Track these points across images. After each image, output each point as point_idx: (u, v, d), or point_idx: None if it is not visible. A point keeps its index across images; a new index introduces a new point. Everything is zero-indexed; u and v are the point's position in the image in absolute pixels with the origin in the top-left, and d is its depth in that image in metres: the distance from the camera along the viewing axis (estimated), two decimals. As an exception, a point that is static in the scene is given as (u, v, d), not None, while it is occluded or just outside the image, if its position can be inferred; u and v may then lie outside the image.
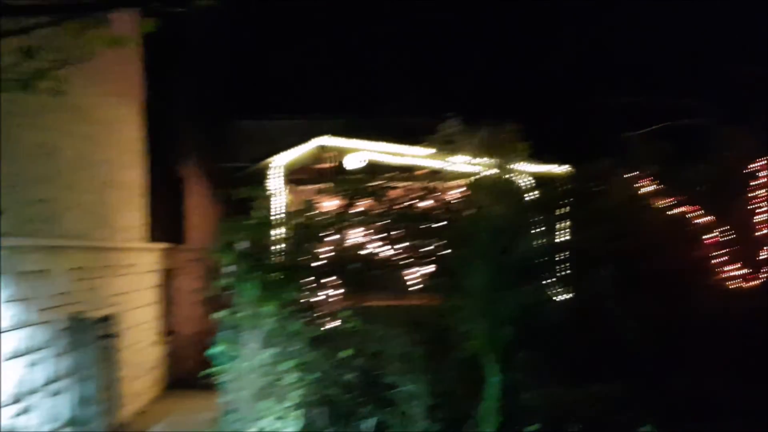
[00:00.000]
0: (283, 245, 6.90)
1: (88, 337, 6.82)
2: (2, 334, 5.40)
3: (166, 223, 10.42)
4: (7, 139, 5.26)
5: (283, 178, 8.86)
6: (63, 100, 5.31)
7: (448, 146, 7.21)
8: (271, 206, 7.71)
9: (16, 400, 5.63)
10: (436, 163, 8.05)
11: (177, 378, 10.57)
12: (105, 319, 7.27)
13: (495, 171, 6.82)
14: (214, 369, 6.30)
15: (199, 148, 12.96)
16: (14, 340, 5.60)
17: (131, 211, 8.93)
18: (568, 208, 8.36)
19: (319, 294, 6.73)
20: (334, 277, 6.88)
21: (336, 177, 8.53)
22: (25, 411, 5.77)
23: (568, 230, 8.36)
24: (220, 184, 14.09)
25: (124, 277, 8.44)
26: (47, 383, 6.19)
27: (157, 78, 9.83)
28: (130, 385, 8.44)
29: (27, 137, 5.76)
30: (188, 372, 10.97)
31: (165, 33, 4.53)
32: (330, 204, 7.55)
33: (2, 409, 5.38)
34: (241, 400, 6.08)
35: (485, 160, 7.02)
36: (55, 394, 6.36)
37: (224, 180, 14.02)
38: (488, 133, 6.84)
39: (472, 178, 7.53)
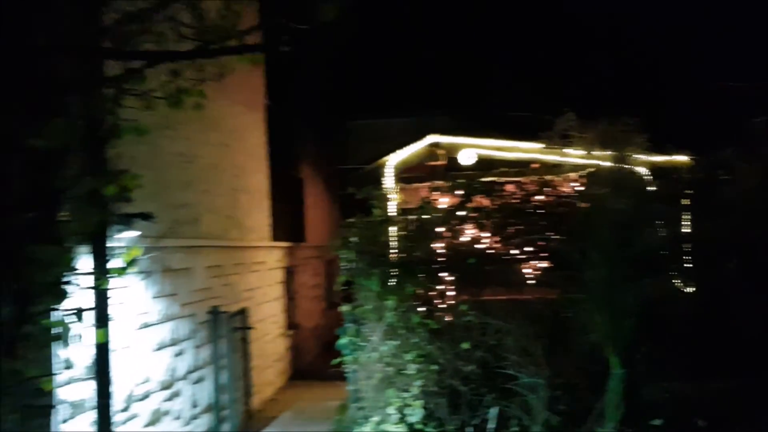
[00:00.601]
0: (400, 242, 7.16)
1: (225, 329, 7.39)
2: (154, 327, 6.00)
3: (287, 223, 11.01)
4: (154, 150, 5.83)
5: (396, 176, 9.12)
6: (199, 112, 5.82)
7: (563, 140, 7.19)
8: (387, 204, 7.99)
9: (165, 387, 6.23)
10: (551, 157, 8.03)
11: (299, 369, 11.16)
12: (239, 312, 7.85)
13: (613, 163, 6.73)
14: (339, 359, 6.65)
15: (316, 150, 13.55)
16: (162, 332, 6.21)
17: (258, 213, 9.52)
18: (691, 199, 8.09)
19: (436, 288, 6.93)
20: (451, 272, 7.05)
21: (448, 174, 8.69)
22: (173, 396, 6.37)
23: (691, 221, 8.09)
24: (336, 185, 14.66)
25: (253, 274, 9.04)
26: (190, 371, 6.79)
27: (275, 84, 10.41)
28: (260, 375, 9.03)
29: (170, 147, 6.34)
30: (309, 363, 11.56)
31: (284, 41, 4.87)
32: (444, 200, 7.72)
33: (154, 394, 5.97)
34: (365, 389, 6.40)
35: (602, 152, 6.95)
36: (197, 381, 6.96)
37: (339, 180, 14.58)
38: (605, 125, 6.77)
39: (589, 171, 7.47)
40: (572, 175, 7.91)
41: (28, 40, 3.26)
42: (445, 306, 6.82)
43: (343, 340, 6.52)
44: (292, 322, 11.29)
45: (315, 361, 11.79)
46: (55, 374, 4.34)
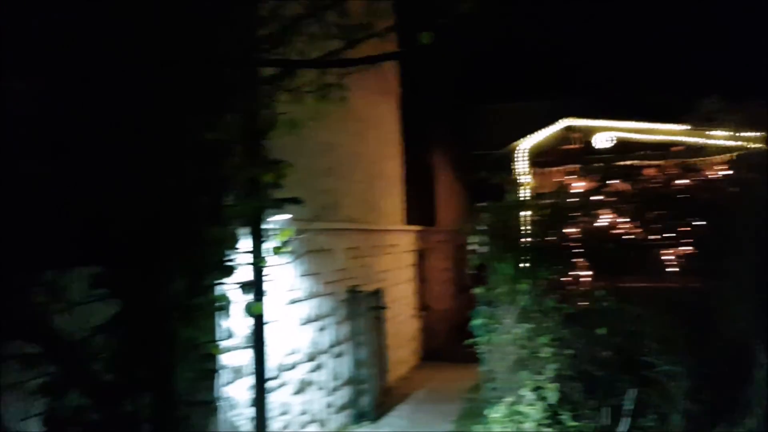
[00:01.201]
0: (534, 226, 7.18)
1: (362, 308, 7.79)
2: (300, 303, 6.47)
3: (419, 207, 11.28)
4: (301, 139, 6.25)
5: (529, 160, 9.10)
6: (340, 103, 6.17)
7: (707, 123, 6.88)
8: (519, 189, 8.02)
9: (310, 359, 6.70)
10: (693, 140, 7.69)
11: (430, 350, 11.46)
12: (375, 292, 8.22)
13: (764, 145, 6.37)
14: (471, 340, 6.82)
15: (447, 136, 13.71)
16: (307, 308, 6.67)
17: (392, 198, 9.86)
18: None
19: (571, 273, 6.91)
20: (586, 258, 6.99)
21: (583, 157, 8.56)
22: (317, 368, 6.84)
23: None
24: (466, 169, 14.75)
25: (387, 256, 9.40)
26: (331, 346, 7.24)
27: (408, 71, 10.66)
28: (394, 354, 9.40)
29: (315, 137, 6.75)
30: (439, 345, 11.82)
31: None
32: (579, 185, 7.64)
33: (301, 365, 6.45)
34: (498, 370, 6.53)
35: (750, 135, 6.59)
36: (338, 356, 7.40)
37: (470, 165, 14.65)
38: (755, 106, 6.40)
39: (737, 154, 7.10)
40: (718, 158, 7.54)
41: (210, 52, 3.65)
42: (580, 291, 6.78)
43: (476, 322, 6.67)
44: (423, 304, 11.59)
45: (445, 343, 12.03)
46: (219, 342, 4.84)
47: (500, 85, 15.38)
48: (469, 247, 7.33)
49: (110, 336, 3.44)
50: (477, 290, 6.71)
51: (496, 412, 6.16)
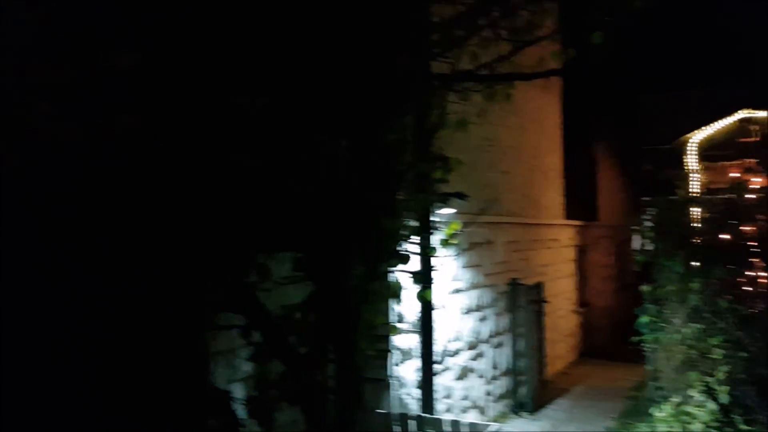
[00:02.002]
0: (706, 223, 6.91)
1: (522, 301, 7.91)
2: (462, 293, 6.74)
3: (579, 201, 11.12)
4: (465, 135, 6.50)
5: (699, 154, 8.68)
6: (505, 100, 6.32)
7: None
8: (690, 184, 7.72)
9: (471, 347, 6.96)
10: None
11: (588, 347, 11.28)
12: (535, 286, 8.31)
13: None
14: (637, 339, 6.72)
15: (608, 128, 13.32)
16: (469, 299, 6.93)
17: (552, 192, 9.84)
18: None
19: (747, 274, 6.57)
20: (765, 258, 6.61)
21: (763, 152, 8.03)
22: (477, 357, 7.08)
23: None
24: (630, 163, 14.23)
25: (547, 251, 9.42)
26: (491, 336, 7.44)
27: (570, 62, 10.50)
28: (552, 348, 9.41)
29: (477, 133, 6.97)
30: (599, 342, 11.60)
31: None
32: (757, 180, 7.21)
33: (463, 352, 6.73)
34: (664, 370, 6.39)
35: None
36: (497, 346, 7.59)
37: (633, 158, 14.11)
38: None
39: None
40: None
41: (390, 60, 3.99)
42: (757, 293, 6.44)
43: (642, 320, 6.57)
44: (582, 300, 11.43)
45: (605, 341, 11.78)
46: (393, 324, 5.24)
47: (669, 73, 14.61)
48: (634, 244, 7.20)
49: (305, 313, 3.92)
50: (644, 288, 6.59)
51: (662, 412, 6.05)
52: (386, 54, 3.81)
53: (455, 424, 4.85)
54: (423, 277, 5.21)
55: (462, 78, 4.39)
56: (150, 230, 3.16)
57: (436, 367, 5.79)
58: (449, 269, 6.40)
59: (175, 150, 2.90)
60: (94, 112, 2.66)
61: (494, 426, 4.85)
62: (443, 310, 6.21)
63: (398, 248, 4.59)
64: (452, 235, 4.91)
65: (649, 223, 7.00)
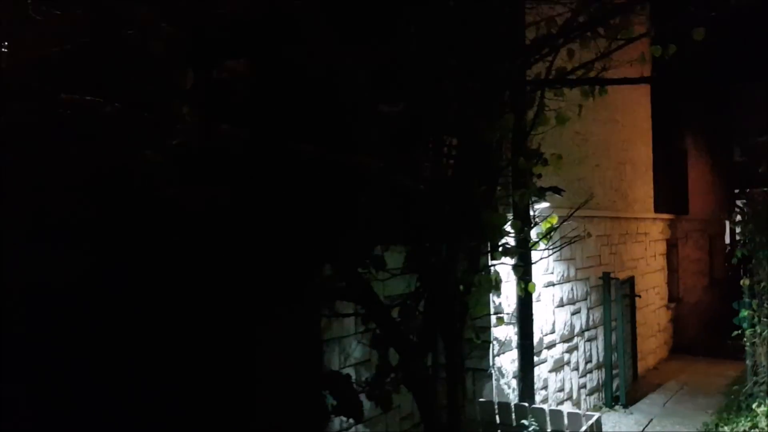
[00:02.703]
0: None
1: (615, 295, 7.91)
2: (555, 286, 6.84)
3: (669, 195, 10.92)
4: (559, 130, 6.58)
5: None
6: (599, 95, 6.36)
7: None
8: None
9: (565, 340, 7.04)
10: None
11: (680, 343, 11.07)
12: (627, 280, 8.28)
13: None
14: (735, 333, 6.64)
15: (701, 119, 12.97)
16: (562, 292, 7.01)
17: (641, 185, 9.73)
18: None
19: None
20: None
21: None
22: (571, 349, 7.16)
23: None
24: (721, 155, 13.81)
25: (637, 245, 9.34)
26: (584, 329, 7.50)
27: (661, 55, 10.32)
28: (643, 343, 9.33)
29: (570, 127, 7.03)
30: (690, 338, 11.36)
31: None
32: None
33: (558, 345, 6.83)
34: (764, 365, 6.30)
35: None
36: (590, 339, 7.64)
37: (727, 150, 13.70)
38: None
39: None
40: None
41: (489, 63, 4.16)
42: None
43: (742, 314, 6.49)
44: (673, 295, 11.23)
45: (697, 336, 11.53)
46: (494, 316, 5.43)
47: (763, 62, 14.04)
48: (727, 238, 7.09)
49: (414, 304, 4.16)
50: (743, 282, 6.51)
51: (763, 407, 5.98)
52: (486, 61, 3.98)
53: (556, 414, 4.99)
54: (522, 270, 5.37)
55: (557, 82, 4.51)
56: (280, 221, 3.48)
57: (532, 357, 5.93)
58: (543, 262, 6.50)
59: (310, 150, 3.19)
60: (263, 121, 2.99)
61: (594, 416, 4.96)
62: (538, 302, 6.34)
63: (498, 242, 4.77)
64: (550, 229, 5.04)
65: (743, 216, 6.88)
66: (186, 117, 3.61)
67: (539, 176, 4.94)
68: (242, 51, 3.61)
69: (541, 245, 5.41)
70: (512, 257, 4.56)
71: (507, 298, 5.76)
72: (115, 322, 3.19)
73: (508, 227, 4.77)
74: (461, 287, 4.34)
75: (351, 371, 4.67)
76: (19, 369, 2.84)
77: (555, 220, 5.11)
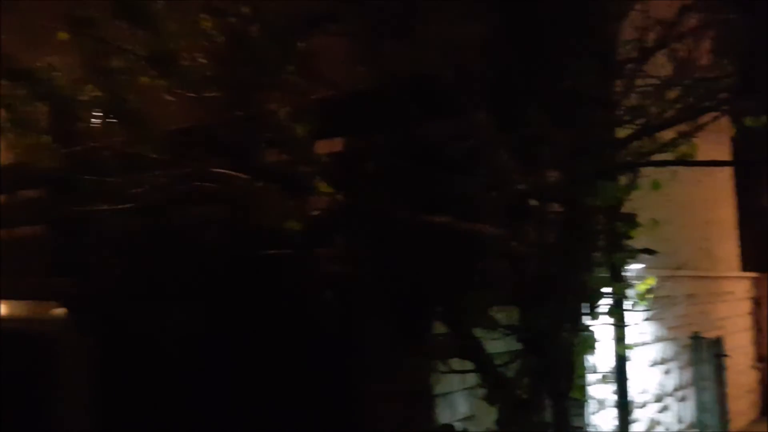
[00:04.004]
0: None
1: (705, 354, 7.88)
2: (647, 346, 6.91)
3: (754, 252, 10.78)
4: (644, 192, 6.77)
5: None
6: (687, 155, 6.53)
7: None
8: None
9: (657, 400, 7.06)
10: None
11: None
12: (716, 340, 8.24)
13: None
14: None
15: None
16: (653, 352, 7.07)
17: (726, 243, 9.71)
18: None
19: None
20: None
21: None
22: (663, 410, 7.16)
23: None
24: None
25: (724, 304, 9.27)
26: (675, 390, 7.48)
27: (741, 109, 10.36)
28: (732, 404, 9.14)
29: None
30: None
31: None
32: None
33: (649, 405, 6.86)
34: None
35: None
36: (681, 399, 7.60)
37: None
38: None
39: None
40: None
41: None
42: None
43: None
44: (760, 355, 10.96)
45: (787, 398, 11.15)
46: (593, 374, 5.58)
47: None
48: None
49: (523, 362, 4.39)
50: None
51: None
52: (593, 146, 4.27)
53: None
54: (618, 331, 5.53)
55: (653, 164, 4.75)
56: (407, 281, 3.82)
57: (629, 416, 6.00)
58: (634, 322, 6.62)
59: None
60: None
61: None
62: (629, 361, 6.43)
63: (597, 302, 4.97)
64: (648, 290, 5.22)
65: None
66: (320, 189, 4.04)
67: (632, 237, 5.15)
68: (377, 124, 4.02)
69: (637, 305, 5.57)
70: (610, 317, 4.74)
71: (602, 358, 5.89)
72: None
73: (605, 288, 4.97)
74: (567, 346, 4.55)
75: (458, 425, 4.87)
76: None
77: (653, 281, 5.28)
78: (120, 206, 4.40)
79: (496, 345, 4.69)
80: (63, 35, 4.01)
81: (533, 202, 4.27)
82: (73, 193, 4.71)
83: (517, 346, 4.43)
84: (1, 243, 6.55)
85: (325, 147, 4.19)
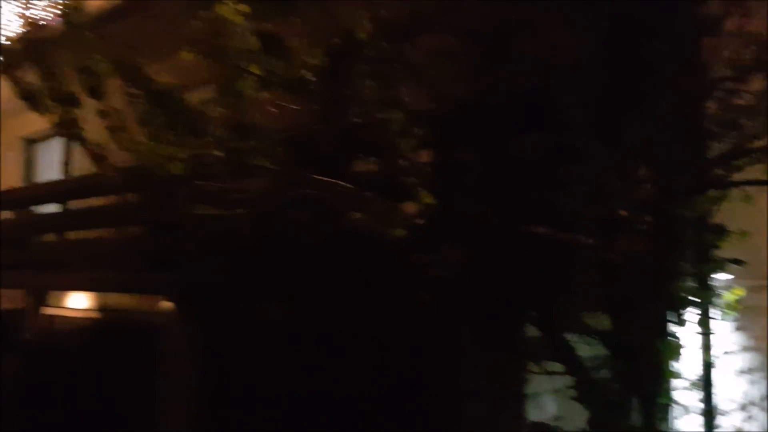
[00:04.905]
0: None
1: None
2: (733, 354, 6.90)
3: None
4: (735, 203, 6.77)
5: None
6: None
7: None
8: None
9: (741, 408, 7.02)
10: None
11: None
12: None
13: None
14: None
15: None
16: (739, 361, 7.03)
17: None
18: None
19: None
20: None
21: None
22: (748, 419, 7.11)
23: None
24: None
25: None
26: (761, 399, 7.41)
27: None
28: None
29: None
30: None
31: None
32: None
33: (734, 413, 6.84)
34: None
35: None
36: (766, 410, 7.52)
37: None
38: None
39: None
40: None
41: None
42: None
43: None
44: None
45: None
46: (678, 380, 5.66)
47: None
48: None
49: (611, 367, 4.56)
50: None
51: None
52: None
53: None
54: (705, 339, 5.61)
55: (745, 183, 4.82)
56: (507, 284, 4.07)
57: (714, 423, 6.04)
58: (720, 330, 6.63)
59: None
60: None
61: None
62: (716, 370, 6.45)
63: (685, 310, 5.09)
64: (735, 300, 5.29)
65: None
66: (423, 199, 4.33)
67: (720, 247, 5.22)
68: (477, 136, 4.25)
69: (724, 315, 5.62)
70: (698, 326, 4.85)
71: (689, 366, 5.95)
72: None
73: (693, 297, 5.07)
74: (655, 352, 4.70)
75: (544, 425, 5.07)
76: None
77: (741, 292, 5.35)
78: (228, 210, 4.80)
79: (585, 350, 4.87)
80: (188, 55, 4.42)
81: (625, 213, 4.45)
82: (184, 196, 5.14)
83: (604, 351, 4.60)
84: (115, 241, 7.15)
85: (426, 158, 4.47)
